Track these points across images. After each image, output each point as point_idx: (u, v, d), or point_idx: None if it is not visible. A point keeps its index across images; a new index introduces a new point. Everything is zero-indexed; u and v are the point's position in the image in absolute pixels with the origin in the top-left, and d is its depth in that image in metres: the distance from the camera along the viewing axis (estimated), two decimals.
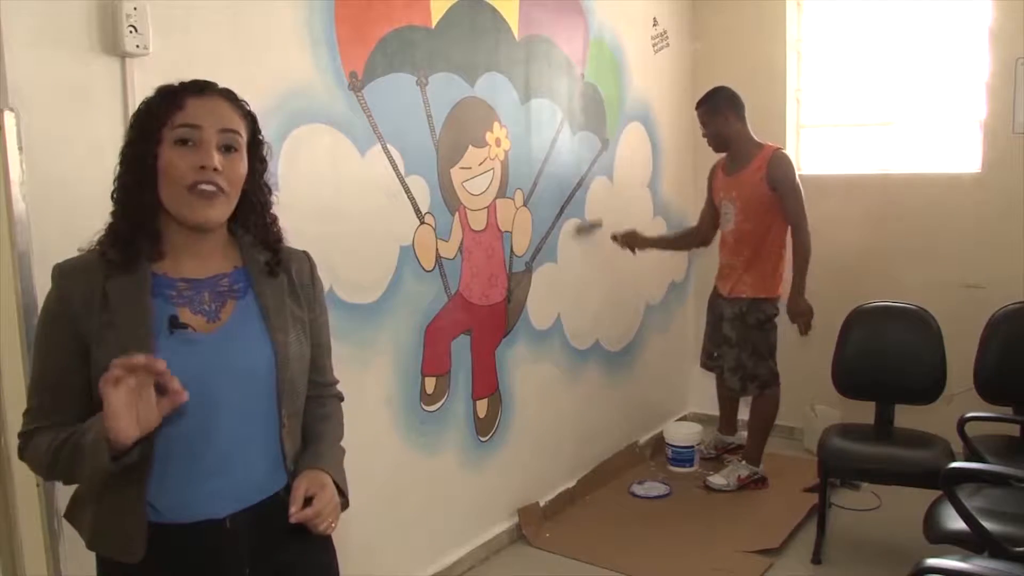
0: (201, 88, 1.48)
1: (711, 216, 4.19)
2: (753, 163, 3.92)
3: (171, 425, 1.37)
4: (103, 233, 1.47)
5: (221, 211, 1.47)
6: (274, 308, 1.53)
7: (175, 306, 1.45)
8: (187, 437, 1.42)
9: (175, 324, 1.43)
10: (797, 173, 3.91)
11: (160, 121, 1.43)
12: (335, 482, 1.54)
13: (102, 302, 1.42)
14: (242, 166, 1.49)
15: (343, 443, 1.72)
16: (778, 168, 3.87)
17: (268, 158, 1.59)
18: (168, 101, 1.44)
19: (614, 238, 4.20)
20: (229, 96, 1.51)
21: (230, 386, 1.45)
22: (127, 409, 1.27)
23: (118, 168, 1.47)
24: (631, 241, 4.21)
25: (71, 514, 1.56)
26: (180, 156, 1.42)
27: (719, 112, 3.95)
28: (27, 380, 2.03)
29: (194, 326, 1.45)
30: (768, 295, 3.87)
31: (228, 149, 1.46)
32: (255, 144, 1.54)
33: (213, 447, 1.45)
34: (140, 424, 1.29)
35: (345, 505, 1.58)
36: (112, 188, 1.48)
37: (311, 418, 1.63)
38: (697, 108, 4.04)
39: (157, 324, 1.42)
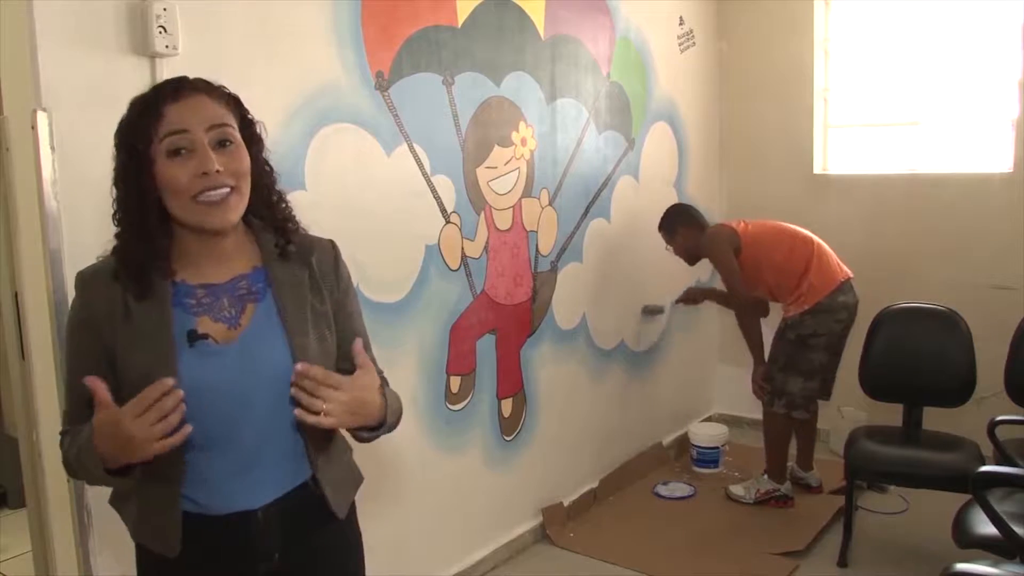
0: (175, 89, 1.42)
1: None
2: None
3: (198, 429, 1.38)
4: (114, 252, 1.45)
5: (237, 210, 1.44)
6: (293, 309, 1.50)
7: (195, 316, 1.45)
8: (215, 439, 1.44)
9: (194, 338, 1.42)
10: (729, 242, 3.89)
11: (146, 138, 1.38)
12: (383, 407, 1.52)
13: (124, 314, 1.42)
14: (244, 156, 1.45)
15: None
16: (706, 251, 4.00)
17: (263, 135, 1.53)
18: (146, 116, 1.39)
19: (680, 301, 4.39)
20: (206, 88, 1.45)
21: (253, 391, 1.45)
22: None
23: (115, 189, 1.44)
24: (693, 295, 4.33)
25: (116, 502, 1.59)
26: (178, 168, 1.38)
27: (676, 232, 4.09)
28: (58, 376, 2.07)
29: (214, 336, 1.44)
30: (808, 305, 3.77)
31: (223, 144, 1.42)
32: (246, 125, 1.49)
33: (240, 447, 1.46)
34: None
35: (385, 429, 1.56)
36: (113, 210, 1.44)
37: None
38: (659, 231, 4.15)
39: (178, 336, 1.42)
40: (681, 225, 4.06)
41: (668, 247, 4.13)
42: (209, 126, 1.40)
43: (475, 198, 3.28)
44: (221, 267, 1.50)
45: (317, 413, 1.38)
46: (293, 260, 1.55)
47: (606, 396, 4.16)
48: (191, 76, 1.46)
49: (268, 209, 1.54)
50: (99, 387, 1.30)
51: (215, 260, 1.49)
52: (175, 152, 1.38)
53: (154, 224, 1.42)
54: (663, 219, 4.11)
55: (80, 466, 1.43)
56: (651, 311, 4.44)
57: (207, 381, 1.41)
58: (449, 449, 3.26)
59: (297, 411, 1.37)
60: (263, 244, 1.54)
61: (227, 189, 1.41)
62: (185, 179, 1.38)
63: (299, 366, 1.38)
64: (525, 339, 3.62)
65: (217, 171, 1.38)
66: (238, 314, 1.48)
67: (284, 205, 1.57)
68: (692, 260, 4.14)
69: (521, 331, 3.60)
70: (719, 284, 4.24)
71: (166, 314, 1.43)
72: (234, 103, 1.48)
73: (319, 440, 1.56)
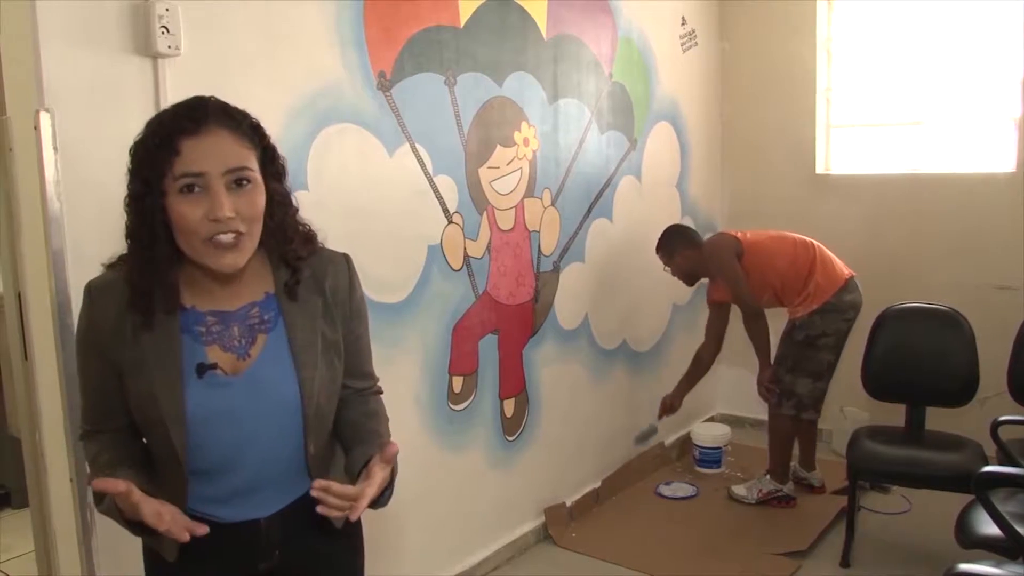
0: (196, 122, 1.35)
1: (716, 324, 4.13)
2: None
3: (202, 456, 1.41)
4: (124, 268, 1.43)
5: (244, 254, 1.40)
6: (303, 341, 1.48)
7: (204, 344, 1.43)
8: (218, 466, 1.46)
9: (203, 370, 1.41)
10: (733, 251, 3.84)
11: (160, 171, 1.33)
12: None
13: (132, 333, 1.41)
14: (259, 198, 1.40)
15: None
16: (709, 264, 3.94)
17: (284, 169, 1.48)
18: (163, 149, 1.33)
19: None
20: (228, 123, 1.38)
21: (259, 421, 1.45)
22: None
23: (127, 215, 1.39)
24: (669, 404, 4.20)
25: None
26: (189, 206, 1.33)
27: (675, 253, 4.02)
28: (61, 376, 2.08)
29: (223, 366, 1.43)
30: (817, 304, 3.76)
31: (240, 183, 1.37)
32: (267, 158, 1.44)
33: (243, 473, 1.48)
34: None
35: (391, 490, 1.53)
36: (125, 234, 1.41)
37: (358, 414, 1.60)
38: (657, 253, 4.08)
39: (187, 365, 1.41)
40: (680, 247, 4.01)
41: (666, 268, 4.08)
42: (226, 170, 1.35)
43: (477, 198, 3.28)
44: (232, 293, 1.47)
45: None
46: (307, 287, 1.51)
47: (608, 396, 4.16)
48: (212, 99, 1.41)
49: (284, 245, 1.49)
50: (117, 486, 1.30)
51: (226, 286, 1.46)
52: (188, 188, 1.33)
53: (163, 255, 1.38)
54: (661, 242, 4.06)
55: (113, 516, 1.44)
56: (644, 435, 4.45)
57: (213, 411, 1.41)
58: (451, 449, 3.26)
59: (320, 508, 1.38)
60: (277, 275, 1.50)
61: (235, 234, 1.37)
62: (195, 220, 1.34)
63: (318, 483, 1.37)
64: (527, 339, 3.62)
65: (229, 217, 1.34)
66: (248, 344, 1.46)
67: (302, 238, 1.52)
68: (691, 281, 4.13)
69: (523, 331, 3.60)
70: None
71: (174, 341, 1.42)
72: (258, 135, 1.43)
73: (319, 461, 1.56)
